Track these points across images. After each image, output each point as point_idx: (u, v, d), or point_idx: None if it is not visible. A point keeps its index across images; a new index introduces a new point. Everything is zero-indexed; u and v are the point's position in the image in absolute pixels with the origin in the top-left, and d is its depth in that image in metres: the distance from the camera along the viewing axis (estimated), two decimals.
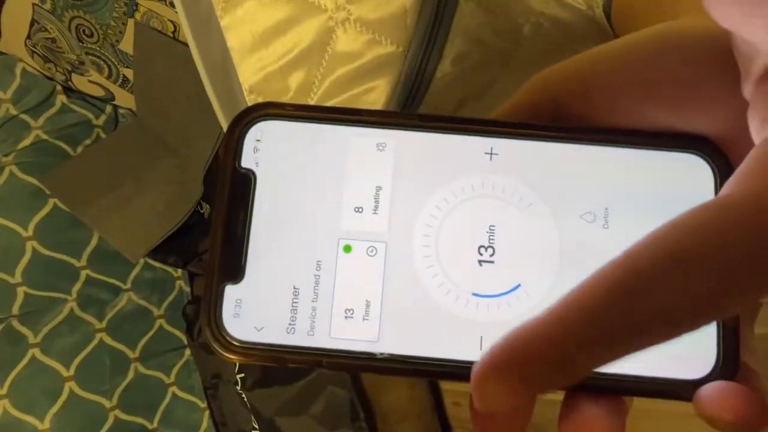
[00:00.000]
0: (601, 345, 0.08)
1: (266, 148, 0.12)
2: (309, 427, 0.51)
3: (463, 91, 0.23)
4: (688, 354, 0.11)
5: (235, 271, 0.12)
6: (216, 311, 0.11)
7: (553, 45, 0.21)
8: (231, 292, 0.12)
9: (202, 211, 0.57)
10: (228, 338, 0.11)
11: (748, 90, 0.09)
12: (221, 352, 0.11)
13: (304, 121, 0.12)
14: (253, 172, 0.12)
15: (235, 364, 0.55)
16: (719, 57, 0.10)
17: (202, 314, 0.12)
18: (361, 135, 0.12)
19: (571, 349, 0.08)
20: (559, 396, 0.10)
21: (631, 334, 0.08)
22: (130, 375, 0.56)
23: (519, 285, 0.11)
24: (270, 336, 0.11)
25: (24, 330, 0.52)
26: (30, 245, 0.52)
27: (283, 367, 0.11)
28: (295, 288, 0.12)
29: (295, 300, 0.11)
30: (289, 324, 0.11)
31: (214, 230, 0.12)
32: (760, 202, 0.08)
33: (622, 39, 0.11)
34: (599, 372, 0.10)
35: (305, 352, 0.11)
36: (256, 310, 0.11)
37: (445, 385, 0.53)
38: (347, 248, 0.12)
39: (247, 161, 0.12)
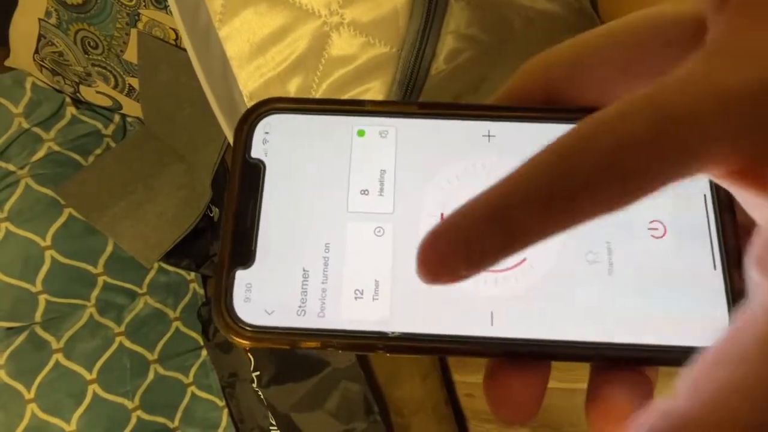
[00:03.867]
0: (537, 203, 0.08)
1: (274, 140, 0.13)
2: (324, 422, 0.52)
3: (458, 86, 0.23)
4: (702, 321, 0.11)
5: (245, 257, 0.12)
6: (227, 296, 0.12)
7: (544, 38, 0.21)
8: (241, 277, 0.12)
9: (211, 215, 0.58)
10: (239, 323, 0.11)
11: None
12: (233, 337, 0.11)
13: (310, 114, 0.13)
14: (262, 162, 0.12)
15: (250, 362, 0.56)
16: (696, 37, 0.10)
17: (213, 301, 0.12)
18: (365, 124, 0.13)
19: (511, 211, 0.08)
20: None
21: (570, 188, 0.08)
22: (150, 376, 0.58)
23: (524, 258, 0.12)
24: (281, 319, 0.11)
25: (47, 336, 0.54)
26: (49, 254, 0.54)
27: (295, 349, 0.11)
28: (304, 270, 0.12)
29: (305, 282, 0.12)
30: (300, 306, 0.11)
31: (225, 218, 0.12)
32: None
33: (604, 26, 0.12)
34: (616, 342, 0.11)
35: (316, 333, 0.11)
36: (266, 294, 0.12)
37: (458, 377, 0.53)
38: (354, 229, 0.12)
39: (256, 152, 0.12)
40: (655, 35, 0.11)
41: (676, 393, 0.07)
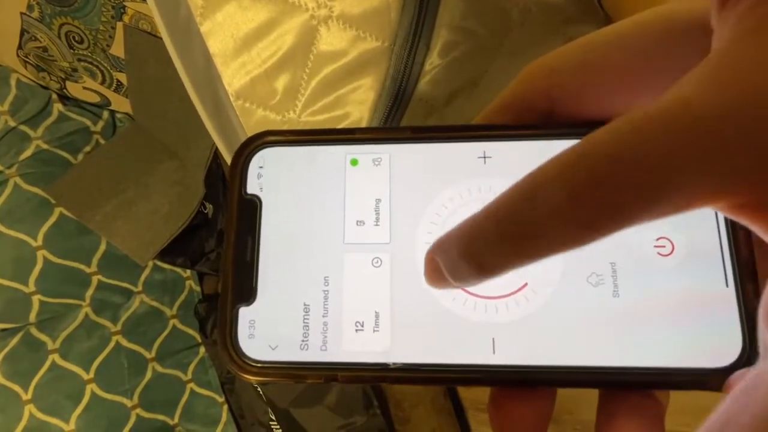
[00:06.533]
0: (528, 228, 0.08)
1: (269, 174, 0.12)
2: (324, 417, 0.52)
3: (455, 82, 0.22)
4: (714, 342, 0.10)
5: (247, 293, 0.12)
6: (231, 333, 0.12)
7: (543, 28, 0.21)
8: (245, 313, 0.12)
9: (205, 212, 0.57)
10: (245, 359, 0.12)
11: (714, 20, 0.09)
12: (239, 373, 0.11)
13: (302, 145, 0.13)
14: (258, 198, 0.12)
15: None
16: (707, 40, 0.10)
17: (218, 338, 0.12)
18: (358, 152, 0.12)
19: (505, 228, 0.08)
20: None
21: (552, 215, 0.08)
22: (149, 374, 0.57)
23: (525, 284, 0.11)
24: (284, 354, 0.12)
25: (42, 337, 0.53)
26: (41, 254, 0.53)
27: (300, 383, 0.11)
28: (305, 305, 0.12)
29: (306, 316, 0.12)
30: (302, 340, 0.12)
31: (225, 255, 0.12)
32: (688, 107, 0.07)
33: (612, 26, 0.11)
34: (624, 366, 0.10)
35: (319, 367, 0.11)
36: (269, 330, 0.12)
37: None
38: (352, 261, 0.12)
39: (252, 188, 0.12)
40: (667, 39, 0.10)
41: None
